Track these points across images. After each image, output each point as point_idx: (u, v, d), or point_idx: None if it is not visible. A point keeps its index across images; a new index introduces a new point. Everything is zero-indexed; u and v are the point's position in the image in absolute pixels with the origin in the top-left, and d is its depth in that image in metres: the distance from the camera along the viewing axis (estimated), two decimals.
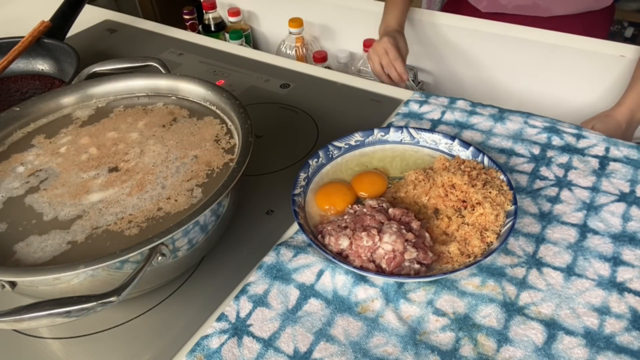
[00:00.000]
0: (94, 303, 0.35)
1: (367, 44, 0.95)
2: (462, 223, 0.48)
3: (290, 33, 1.00)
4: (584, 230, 0.50)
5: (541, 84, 0.86)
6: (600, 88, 0.81)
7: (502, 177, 0.51)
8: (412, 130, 0.59)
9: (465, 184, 0.49)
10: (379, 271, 0.45)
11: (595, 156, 0.58)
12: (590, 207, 0.52)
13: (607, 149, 0.58)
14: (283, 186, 0.57)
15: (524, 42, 0.84)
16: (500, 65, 0.89)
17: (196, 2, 1.16)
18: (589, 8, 0.92)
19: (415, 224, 0.48)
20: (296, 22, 0.98)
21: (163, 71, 0.61)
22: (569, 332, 0.41)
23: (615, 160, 0.57)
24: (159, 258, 0.39)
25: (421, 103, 0.68)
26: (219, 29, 1.11)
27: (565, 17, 0.92)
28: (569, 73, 0.82)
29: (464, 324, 0.42)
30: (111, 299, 0.35)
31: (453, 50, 0.91)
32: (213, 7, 1.09)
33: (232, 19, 1.08)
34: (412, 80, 0.98)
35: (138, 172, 0.49)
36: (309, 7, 1.04)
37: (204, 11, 1.10)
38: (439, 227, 0.49)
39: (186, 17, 1.13)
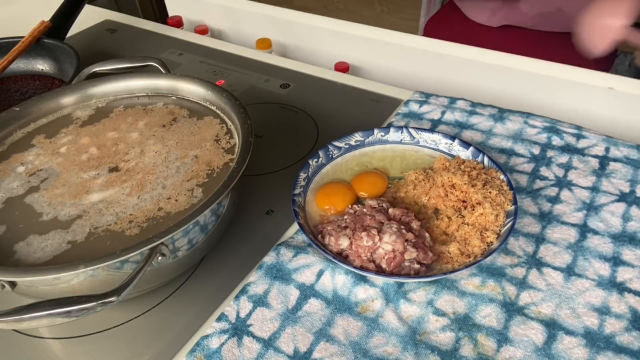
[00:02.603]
0: (94, 303, 0.35)
1: (339, 67, 0.87)
2: (462, 223, 0.48)
3: None
4: (584, 230, 0.50)
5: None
6: (584, 121, 0.70)
7: (502, 177, 0.51)
8: (412, 130, 0.59)
9: (465, 184, 0.49)
10: (379, 271, 0.45)
11: (595, 156, 0.58)
12: (590, 207, 0.52)
13: (607, 149, 0.58)
14: (283, 186, 0.57)
15: (504, 70, 0.75)
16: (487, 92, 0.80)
17: None
18: None
19: (415, 224, 0.48)
20: (264, 43, 0.93)
21: (163, 71, 0.61)
22: (569, 332, 0.41)
23: (615, 160, 0.57)
24: (159, 258, 0.39)
25: (421, 103, 0.69)
26: None
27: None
28: (555, 103, 0.73)
29: (464, 324, 0.42)
30: (111, 299, 0.35)
31: (449, 78, 0.83)
32: (179, 24, 1.05)
33: None
34: None
35: (138, 172, 0.49)
36: (279, 27, 0.98)
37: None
38: (439, 227, 0.49)
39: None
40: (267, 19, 0.98)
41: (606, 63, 0.95)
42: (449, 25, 1.02)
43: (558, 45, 0.90)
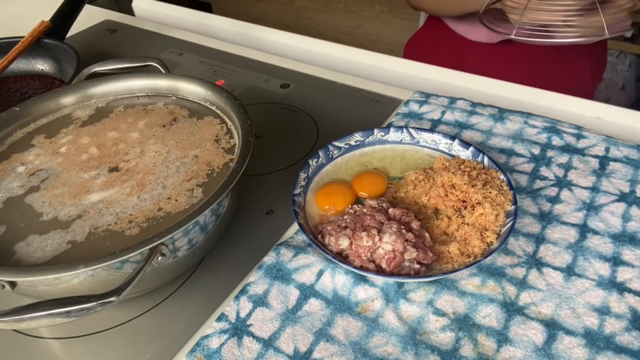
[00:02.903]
0: (94, 303, 0.35)
1: None
2: (462, 223, 0.48)
3: None
4: (584, 230, 0.50)
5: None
6: None
7: (502, 177, 0.51)
8: (412, 130, 0.59)
9: (465, 184, 0.49)
10: (379, 271, 0.45)
11: (595, 156, 0.58)
12: (590, 207, 0.52)
13: (607, 149, 0.58)
14: (283, 186, 0.57)
15: (489, 96, 0.73)
16: None
17: (193, 4, 1.16)
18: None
19: (415, 224, 0.48)
20: None
21: (163, 71, 0.61)
22: (569, 332, 0.41)
23: (615, 160, 0.57)
24: (159, 258, 0.39)
25: (421, 103, 0.69)
26: None
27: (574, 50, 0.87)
28: None
29: (464, 324, 0.42)
30: (111, 299, 0.35)
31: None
32: None
33: None
34: None
35: (138, 172, 0.49)
36: (251, 43, 0.94)
37: None
38: (439, 227, 0.49)
39: None
40: (238, 35, 0.98)
41: (599, 68, 0.95)
42: (442, 38, 0.99)
43: (557, 58, 0.89)
